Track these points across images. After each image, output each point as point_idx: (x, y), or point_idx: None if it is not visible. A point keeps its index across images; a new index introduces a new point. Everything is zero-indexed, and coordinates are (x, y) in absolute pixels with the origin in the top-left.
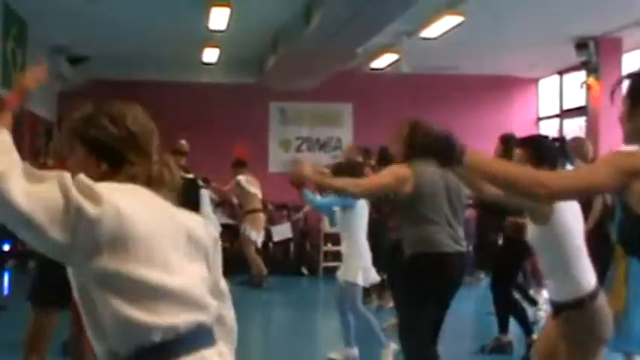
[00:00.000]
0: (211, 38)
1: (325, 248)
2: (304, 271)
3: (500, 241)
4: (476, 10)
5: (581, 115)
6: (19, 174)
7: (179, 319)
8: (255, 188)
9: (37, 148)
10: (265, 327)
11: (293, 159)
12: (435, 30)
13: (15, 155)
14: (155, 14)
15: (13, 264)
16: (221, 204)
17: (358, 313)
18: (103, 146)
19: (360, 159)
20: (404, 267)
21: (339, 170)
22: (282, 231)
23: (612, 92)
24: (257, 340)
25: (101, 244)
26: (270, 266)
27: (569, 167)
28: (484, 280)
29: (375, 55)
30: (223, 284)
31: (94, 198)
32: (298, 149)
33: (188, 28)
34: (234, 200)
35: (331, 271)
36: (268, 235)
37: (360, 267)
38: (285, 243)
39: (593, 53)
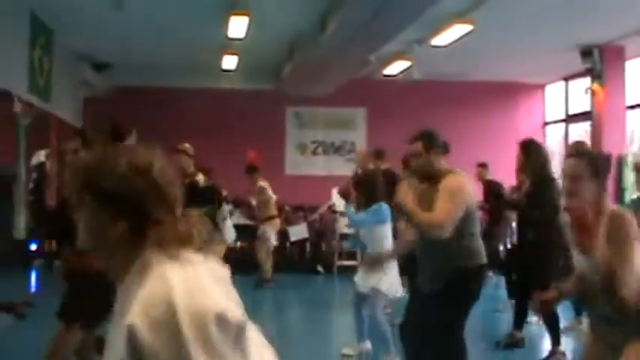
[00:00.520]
0: (230, 46)
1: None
2: (320, 269)
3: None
4: (485, 19)
5: (586, 119)
6: None
7: None
8: (272, 193)
9: (62, 150)
10: (281, 323)
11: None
12: (445, 38)
13: None
14: (176, 23)
15: (40, 263)
16: (239, 205)
17: (376, 320)
18: (124, 201)
19: (372, 165)
20: (452, 276)
21: (359, 183)
22: (299, 231)
23: None
24: (273, 335)
25: None
26: (287, 265)
27: None
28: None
29: (387, 62)
30: None
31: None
32: (314, 152)
33: (208, 37)
34: (253, 202)
35: (345, 270)
36: (285, 235)
37: (386, 276)
38: (301, 243)
39: (597, 60)
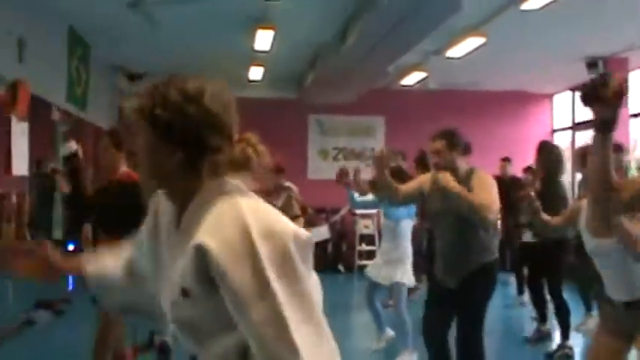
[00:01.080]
0: (257, 58)
1: (359, 248)
2: (341, 268)
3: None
4: (496, 33)
5: (591, 127)
6: None
7: None
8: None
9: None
10: None
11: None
12: (459, 50)
13: None
14: (206, 36)
15: None
16: None
17: (399, 312)
18: (179, 131)
19: (394, 164)
20: (472, 271)
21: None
22: (321, 232)
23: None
24: None
25: None
26: None
27: None
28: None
29: (404, 72)
30: None
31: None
32: (335, 158)
33: (236, 49)
34: (278, 203)
35: (365, 268)
36: None
37: (407, 270)
38: (323, 243)
39: (602, 71)
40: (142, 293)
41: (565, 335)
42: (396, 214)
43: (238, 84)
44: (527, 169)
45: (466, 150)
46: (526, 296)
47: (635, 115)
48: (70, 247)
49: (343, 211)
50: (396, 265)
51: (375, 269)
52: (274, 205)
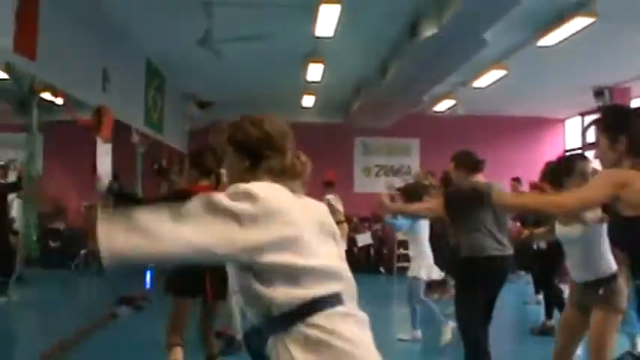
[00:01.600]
0: (309, 88)
1: (398, 252)
2: (382, 270)
3: (535, 247)
4: (516, 66)
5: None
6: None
7: (321, 289)
8: (340, 205)
9: (171, 173)
10: None
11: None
12: (483, 81)
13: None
14: (266, 69)
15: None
16: None
17: (421, 301)
18: (246, 146)
19: (426, 182)
20: (460, 266)
21: (407, 190)
22: (365, 238)
23: (584, 130)
24: None
25: (263, 245)
26: (355, 266)
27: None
28: (523, 277)
29: (436, 100)
30: (343, 253)
31: (251, 197)
32: (377, 174)
33: (291, 80)
34: None
35: (403, 270)
36: (353, 242)
37: (423, 265)
38: (366, 248)
39: (607, 99)
40: None
41: (548, 314)
42: (394, 223)
43: (293, 110)
44: (534, 186)
45: (476, 168)
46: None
47: None
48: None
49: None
50: (412, 262)
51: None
52: None
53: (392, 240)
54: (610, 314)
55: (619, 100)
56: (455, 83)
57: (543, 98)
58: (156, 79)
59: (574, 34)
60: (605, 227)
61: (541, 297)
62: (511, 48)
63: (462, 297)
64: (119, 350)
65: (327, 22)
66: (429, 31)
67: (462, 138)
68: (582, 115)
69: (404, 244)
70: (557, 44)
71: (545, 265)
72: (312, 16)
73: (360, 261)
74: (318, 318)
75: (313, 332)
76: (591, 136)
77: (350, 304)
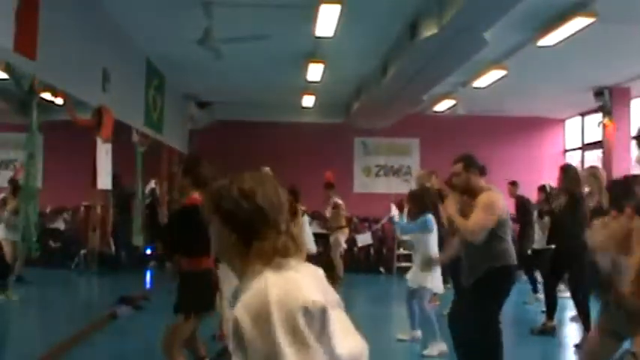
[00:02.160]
0: (309, 88)
1: (398, 252)
2: (381, 270)
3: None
4: (516, 66)
5: (598, 147)
6: None
7: None
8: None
9: (171, 173)
10: (349, 314)
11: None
12: (483, 81)
13: None
14: (266, 69)
15: (154, 264)
16: (316, 217)
17: (423, 310)
18: (234, 220)
19: (428, 184)
20: (483, 274)
21: (412, 197)
22: (365, 238)
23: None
24: None
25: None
26: (355, 266)
27: None
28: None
29: (436, 100)
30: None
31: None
32: (377, 174)
33: (291, 80)
34: (327, 214)
35: (403, 271)
36: (353, 242)
37: (431, 276)
38: (366, 248)
39: (607, 99)
40: None
41: (550, 316)
42: (403, 227)
43: (293, 110)
44: (542, 188)
45: (482, 171)
46: (541, 294)
47: (637, 137)
48: (148, 251)
49: (384, 220)
50: (423, 272)
51: (410, 276)
52: (324, 218)
53: (392, 240)
54: None
55: (619, 100)
56: (455, 83)
57: (543, 98)
58: (156, 79)
59: (574, 34)
60: None
61: (541, 296)
62: (511, 48)
63: (491, 304)
64: (119, 350)
65: (327, 22)
66: (429, 31)
67: (462, 138)
68: (582, 115)
69: (404, 244)
70: (557, 44)
71: (556, 268)
72: (312, 16)
73: (360, 261)
74: None
75: None
76: (591, 135)
77: None
